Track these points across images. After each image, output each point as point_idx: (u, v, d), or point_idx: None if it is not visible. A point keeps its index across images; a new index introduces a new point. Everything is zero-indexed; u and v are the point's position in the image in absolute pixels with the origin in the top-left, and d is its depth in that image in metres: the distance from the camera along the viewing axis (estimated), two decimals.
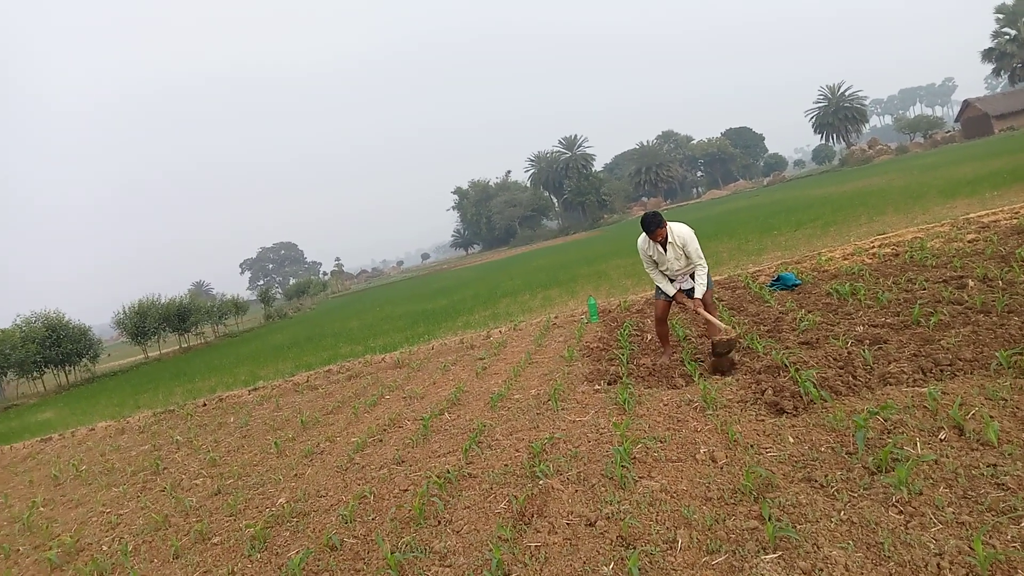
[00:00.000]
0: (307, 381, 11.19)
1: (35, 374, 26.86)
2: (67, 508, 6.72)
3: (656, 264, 6.21)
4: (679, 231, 5.97)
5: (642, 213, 6.62)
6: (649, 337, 7.74)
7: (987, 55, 64.34)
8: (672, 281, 6.24)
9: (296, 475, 5.80)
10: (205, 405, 11.38)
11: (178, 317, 33.98)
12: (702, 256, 6.05)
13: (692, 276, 6.11)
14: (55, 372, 28.00)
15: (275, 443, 6.97)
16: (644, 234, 6.04)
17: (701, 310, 5.93)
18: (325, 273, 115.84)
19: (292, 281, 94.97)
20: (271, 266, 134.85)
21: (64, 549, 5.24)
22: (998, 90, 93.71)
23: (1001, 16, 62.11)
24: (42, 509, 6.87)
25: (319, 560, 3.90)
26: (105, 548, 5.16)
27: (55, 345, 26.93)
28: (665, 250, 6.02)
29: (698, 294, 5.97)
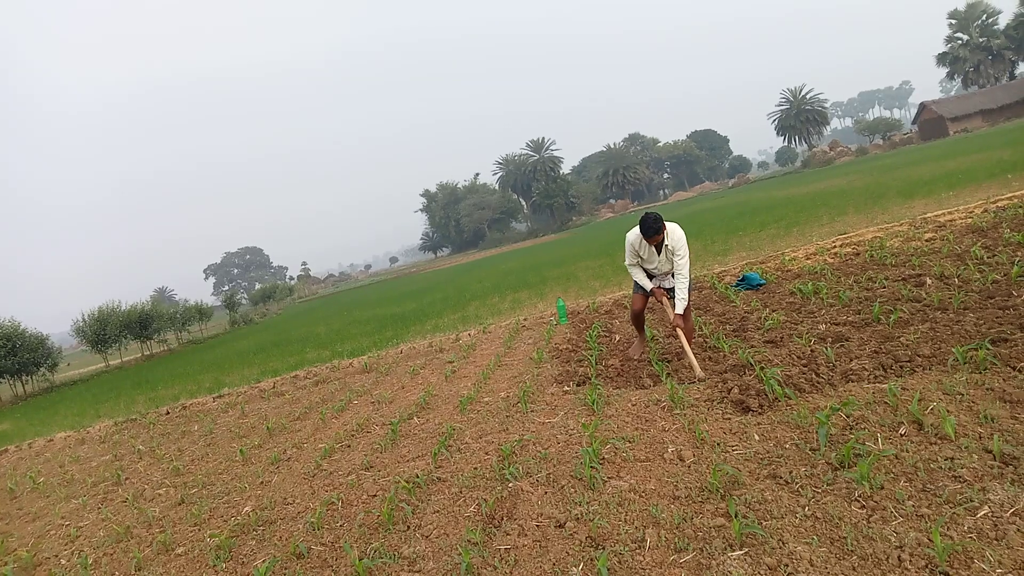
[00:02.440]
0: (273, 387, 11.02)
1: None
2: (24, 522, 6.51)
3: (641, 259, 6.09)
4: (675, 235, 5.79)
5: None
6: (618, 338, 7.79)
7: (941, 59, 66.41)
8: (652, 278, 6.19)
9: (262, 483, 5.71)
10: (168, 413, 11.14)
11: (140, 324, 33.21)
12: (688, 265, 5.85)
13: (673, 276, 5.97)
14: (11, 382, 27.15)
15: (241, 451, 6.85)
16: (637, 230, 5.85)
17: (681, 335, 5.75)
18: (292, 278, 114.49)
19: (258, 286, 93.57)
20: (236, 271, 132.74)
21: (21, 564, 5.08)
22: (952, 93, 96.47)
23: (954, 21, 64.13)
24: None
25: (286, 568, 3.84)
26: (64, 562, 5.01)
27: (11, 355, 26.09)
28: (659, 251, 5.91)
29: (679, 309, 5.78)
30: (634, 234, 6.00)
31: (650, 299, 6.48)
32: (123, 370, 29.33)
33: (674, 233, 5.83)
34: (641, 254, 6.06)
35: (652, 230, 5.69)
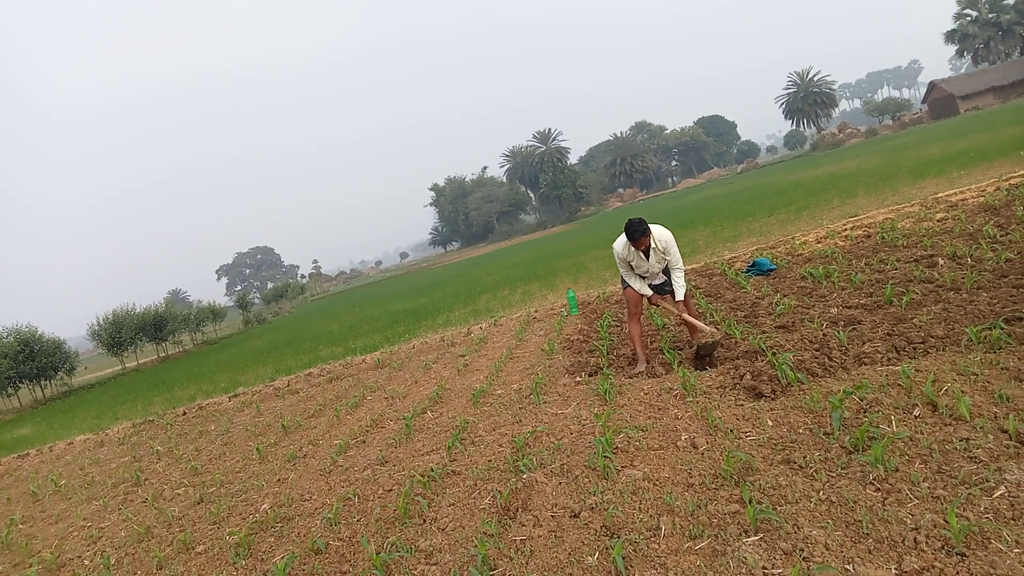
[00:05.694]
0: (288, 385, 11.11)
1: (9, 390, 26.36)
2: (47, 524, 6.61)
3: (631, 267, 5.96)
4: (661, 236, 5.72)
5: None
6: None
7: (950, 36, 65.51)
8: (643, 278, 6.04)
9: (279, 480, 5.76)
10: (185, 414, 11.25)
11: (154, 326, 33.48)
12: (680, 259, 5.86)
13: (665, 272, 5.91)
14: (30, 387, 27.47)
15: (257, 449, 6.91)
16: (624, 238, 5.74)
17: (685, 314, 5.76)
18: (303, 276, 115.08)
19: (270, 285, 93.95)
20: (248, 271, 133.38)
21: (45, 566, 5.16)
22: (962, 71, 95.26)
23: None
24: (21, 526, 6.75)
25: (304, 564, 3.88)
26: (87, 563, 5.08)
27: (29, 359, 26.40)
28: (647, 256, 5.77)
29: (679, 296, 5.76)
30: (620, 243, 5.85)
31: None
32: (139, 372, 29.62)
33: (661, 235, 5.74)
34: (631, 261, 5.89)
35: (638, 232, 5.55)
